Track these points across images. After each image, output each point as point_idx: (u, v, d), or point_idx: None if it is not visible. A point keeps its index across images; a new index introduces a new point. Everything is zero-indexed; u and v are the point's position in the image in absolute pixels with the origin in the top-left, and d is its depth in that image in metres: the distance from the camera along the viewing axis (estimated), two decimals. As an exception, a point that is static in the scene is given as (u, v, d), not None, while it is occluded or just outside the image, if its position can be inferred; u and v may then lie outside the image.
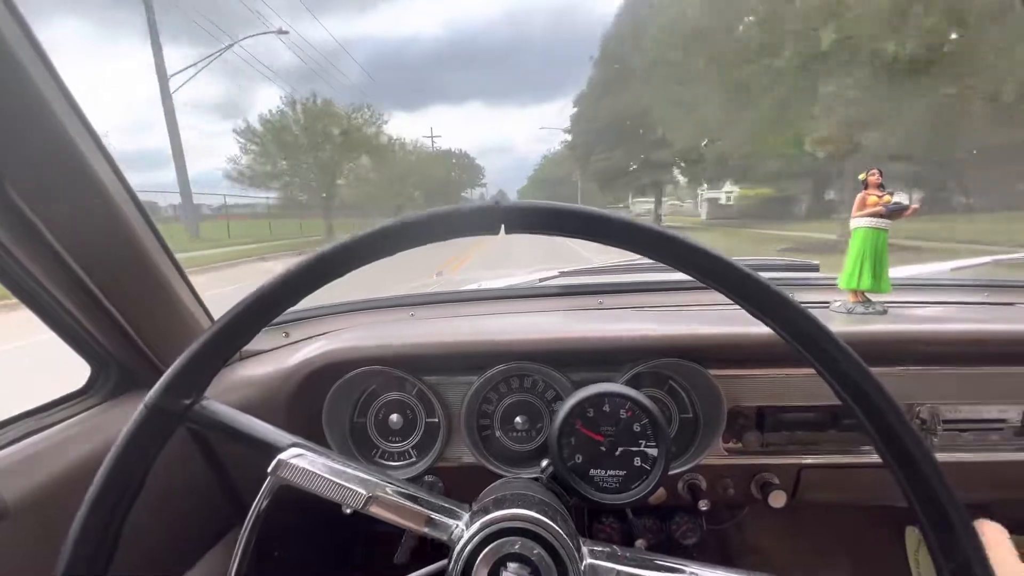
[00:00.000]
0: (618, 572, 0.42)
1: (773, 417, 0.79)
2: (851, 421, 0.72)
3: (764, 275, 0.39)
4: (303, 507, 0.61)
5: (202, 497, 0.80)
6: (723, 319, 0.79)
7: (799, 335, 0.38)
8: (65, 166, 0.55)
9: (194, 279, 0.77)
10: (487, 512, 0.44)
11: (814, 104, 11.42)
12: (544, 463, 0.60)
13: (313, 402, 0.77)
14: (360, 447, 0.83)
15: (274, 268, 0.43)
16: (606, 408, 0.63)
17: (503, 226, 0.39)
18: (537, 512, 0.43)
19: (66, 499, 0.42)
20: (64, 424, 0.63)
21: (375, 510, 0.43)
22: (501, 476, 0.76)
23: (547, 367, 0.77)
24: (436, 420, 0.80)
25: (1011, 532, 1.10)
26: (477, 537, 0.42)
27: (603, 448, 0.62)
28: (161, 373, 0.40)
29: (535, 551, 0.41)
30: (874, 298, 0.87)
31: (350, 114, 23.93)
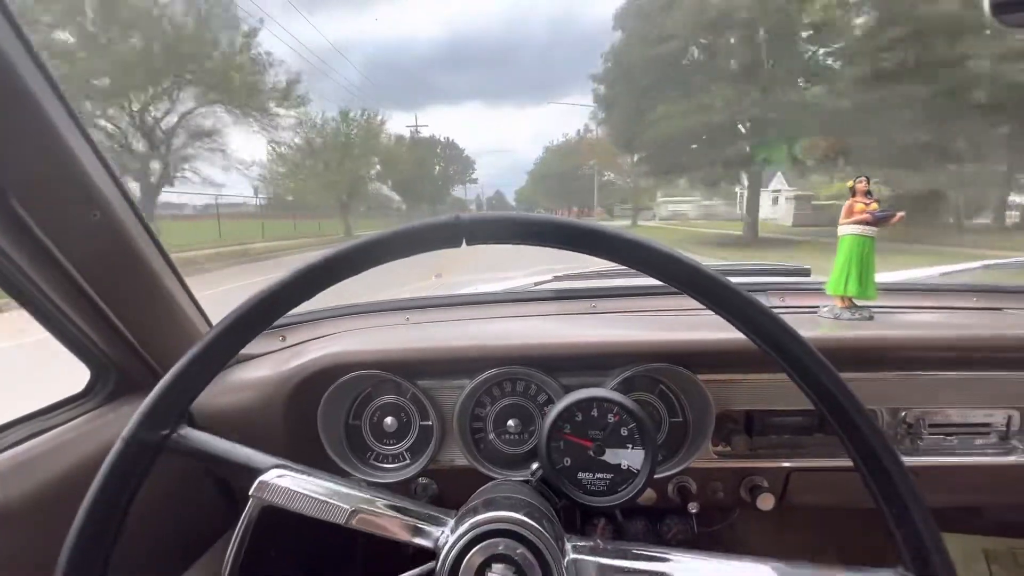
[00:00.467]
0: (600, 564, 0.43)
1: (761, 421, 0.80)
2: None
3: (754, 279, 0.40)
4: (295, 517, 0.62)
5: (198, 499, 0.82)
6: (712, 324, 0.80)
7: (769, 339, 0.40)
8: (64, 174, 0.56)
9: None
10: (474, 514, 0.45)
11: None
12: (534, 466, 0.61)
13: (309, 405, 0.79)
14: (355, 450, 0.84)
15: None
16: (594, 412, 0.64)
17: (464, 239, 0.41)
18: (521, 514, 0.44)
19: (66, 502, 0.43)
20: (64, 427, 0.64)
21: (359, 524, 0.44)
22: (494, 478, 0.78)
23: (539, 372, 0.78)
24: (430, 423, 0.81)
25: (1001, 534, 1.12)
26: (463, 540, 0.43)
27: (591, 452, 0.63)
28: (159, 377, 0.42)
29: (518, 551, 0.42)
30: (861, 303, 0.88)
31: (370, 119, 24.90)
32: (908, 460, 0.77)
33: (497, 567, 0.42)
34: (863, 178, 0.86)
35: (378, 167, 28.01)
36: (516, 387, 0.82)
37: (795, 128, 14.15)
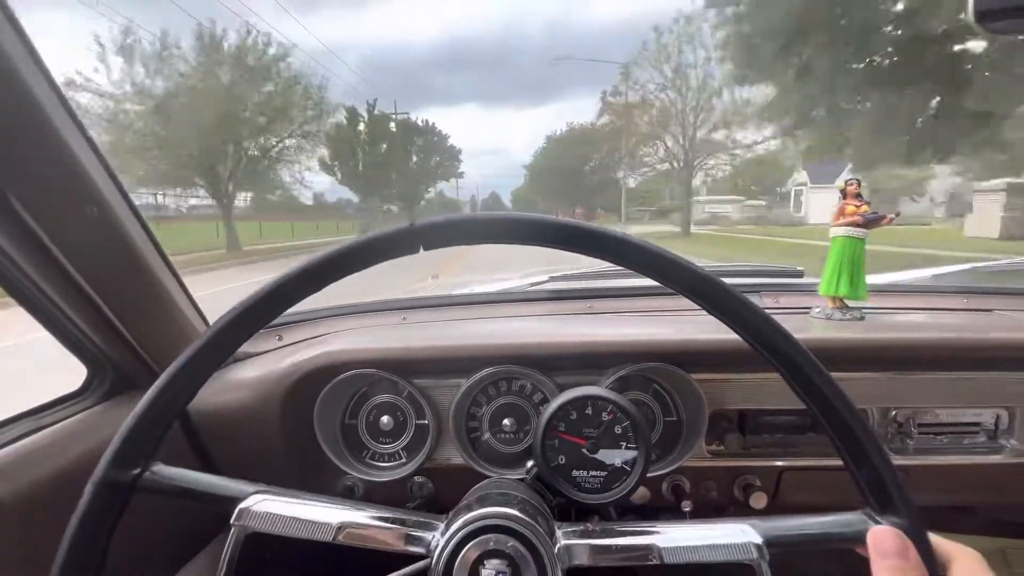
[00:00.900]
0: (590, 545, 0.43)
1: (754, 420, 0.81)
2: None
3: (748, 280, 0.41)
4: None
5: (183, 504, 0.81)
6: (707, 324, 0.81)
7: (761, 339, 0.40)
8: (61, 170, 0.56)
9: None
10: (467, 511, 0.45)
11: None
12: (529, 464, 0.62)
13: (305, 404, 0.79)
14: (351, 448, 0.84)
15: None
16: (589, 411, 0.65)
17: (421, 245, 0.41)
18: (514, 509, 0.45)
19: (61, 501, 0.43)
20: (60, 425, 0.64)
21: (348, 539, 0.43)
22: (489, 477, 0.78)
23: (534, 371, 0.79)
24: (426, 422, 0.82)
25: (993, 533, 1.13)
26: (456, 538, 0.43)
27: (585, 449, 0.63)
28: (156, 375, 0.42)
29: (510, 544, 0.43)
30: (853, 304, 0.89)
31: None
32: (898, 459, 0.78)
33: (491, 563, 0.43)
34: (854, 181, 0.87)
35: (296, 140, 18.40)
36: (512, 386, 0.83)
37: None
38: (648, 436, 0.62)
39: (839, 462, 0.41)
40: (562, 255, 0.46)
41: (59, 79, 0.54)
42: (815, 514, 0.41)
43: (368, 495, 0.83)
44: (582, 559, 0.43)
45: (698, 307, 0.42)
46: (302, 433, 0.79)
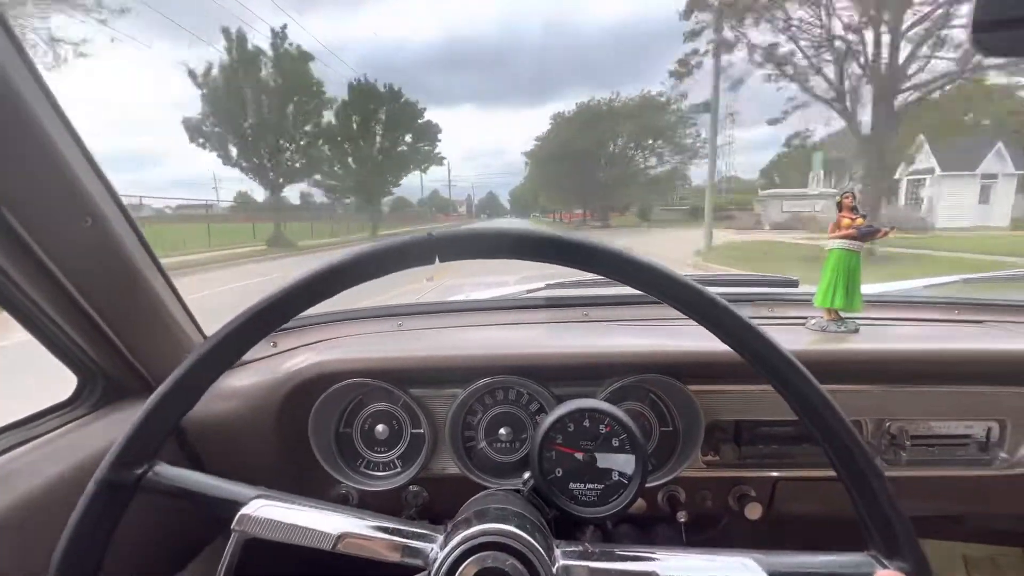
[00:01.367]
0: (589, 568, 0.43)
1: (749, 431, 0.81)
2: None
3: (743, 290, 0.42)
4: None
5: (182, 506, 0.80)
6: (703, 335, 0.81)
7: (754, 353, 0.41)
8: (55, 179, 0.55)
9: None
10: (466, 527, 0.45)
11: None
12: (526, 476, 0.62)
13: (300, 412, 0.78)
14: (345, 457, 0.84)
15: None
16: (586, 423, 0.65)
17: (437, 256, 0.41)
18: (512, 526, 0.45)
19: (51, 512, 0.43)
20: (49, 436, 0.63)
21: (347, 548, 0.43)
22: (485, 487, 0.78)
23: (530, 381, 0.79)
24: (421, 431, 0.81)
25: (982, 541, 1.13)
26: (453, 555, 0.43)
27: (583, 462, 0.63)
28: (149, 385, 0.41)
29: (508, 562, 0.43)
30: (847, 315, 0.90)
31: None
32: (891, 471, 0.79)
33: None
34: (849, 193, 0.88)
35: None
36: (508, 396, 0.82)
37: None
38: (646, 450, 0.62)
39: (834, 473, 0.41)
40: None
41: (54, 88, 0.54)
42: (819, 552, 0.41)
43: (362, 504, 0.82)
44: None
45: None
46: (296, 441, 0.78)
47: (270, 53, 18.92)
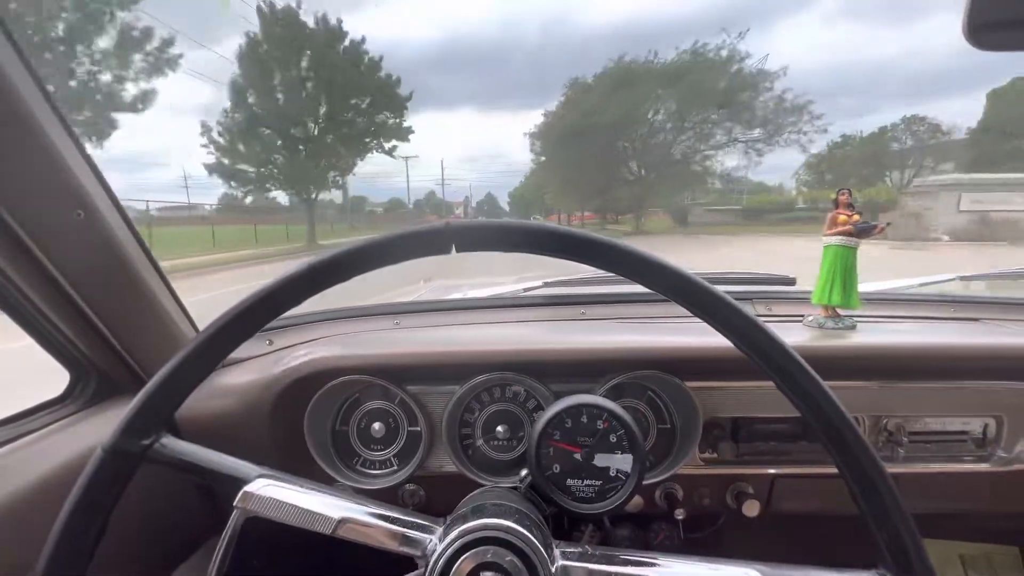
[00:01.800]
0: (588, 570, 0.43)
1: (747, 428, 0.81)
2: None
3: (741, 288, 0.41)
4: (283, 523, 0.62)
5: (181, 504, 0.80)
6: (701, 331, 0.81)
7: (756, 348, 0.41)
8: (47, 171, 0.55)
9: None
10: (463, 521, 0.45)
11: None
12: (523, 472, 0.61)
13: (295, 410, 0.78)
14: (342, 456, 0.83)
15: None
16: (584, 419, 0.64)
17: (454, 246, 0.41)
18: (511, 521, 0.44)
19: (42, 509, 0.42)
20: (40, 433, 0.63)
21: (346, 533, 0.43)
22: (482, 485, 0.77)
23: (528, 378, 0.79)
24: (418, 429, 0.81)
25: (978, 539, 1.13)
26: (451, 548, 0.42)
27: (580, 458, 0.63)
28: (142, 381, 0.41)
29: (507, 558, 0.42)
30: (844, 313, 0.90)
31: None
32: (889, 467, 0.79)
33: (486, 575, 0.42)
34: (845, 191, 0.88)
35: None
36: (505, 393, 0.82)
37: None
38: (643, 445, 0.61)
39: (831, 470, 0.41)
40: (555, 262, 0.46)
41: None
42: (826, 569, 0.41)
43: None
44: None
45: (689, 315, 0.42)
46: (292, 439, 0.78)
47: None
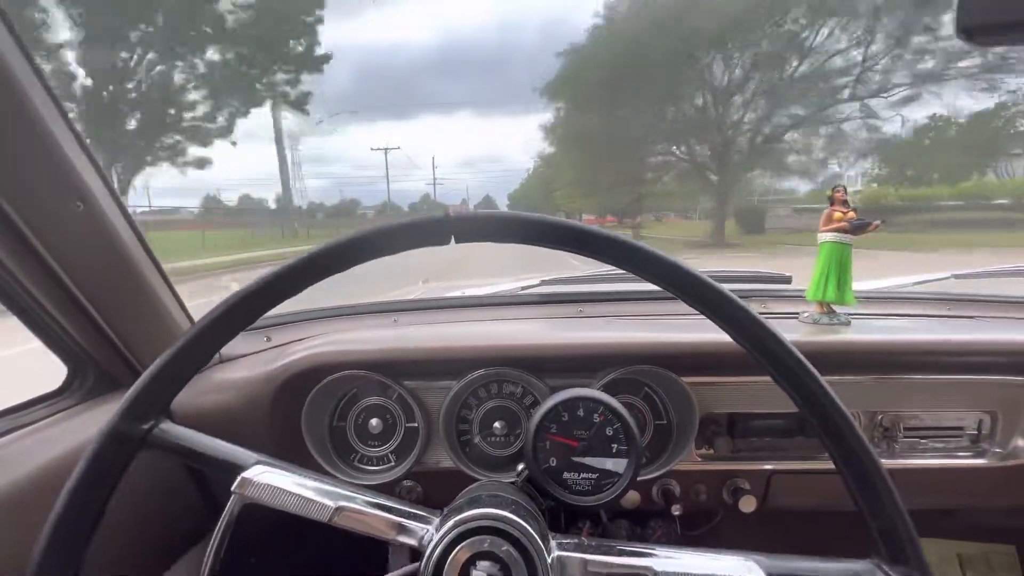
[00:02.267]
0: (584, 560, 0.43)
1: (743, 424, 0.81)
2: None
3: (737, 286, 0.42)
4: (279, 512, 0.62)
5: (178, 498, 0.80)
6: (698, 327, 0.82)
7: (756, 343, 0.41)
8: (47, 163, 0.55)
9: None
10: (460, 512, 0.45)
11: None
12: (520, 467, 0.61)
13: (293, 406, 0.78)
14: (339, 451, 0.83)
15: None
16: (580, 412, 0.65)
17: (453, 237, 0.41)
18: (507, 511, 0.44)
19: (38, 502, 0.42)
20: (37, 426, 0.63)
21: (343, 521, 0.43)
22: (479, 480, 0.77)
23: (525, 373, 0.79)
24: (415, 425, 0.81)
25: (973, 538, 1.14)
26: (448, 538, 0.43)
27: (576, 452, 0.63)
28: (139, 375, 0.41)
29: (503, 548, 0.42)
30: (839, 309, 0.90)
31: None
32: (884, 462, 0.79)
33: (482, 564, 0.42)
34: (840, 187, 0.89)
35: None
36: (503, 389, 0.82)
37: None
38: (639, 439, 0.62)
39: (827, 465, 0.41)
40: (556, 260, 0.47)
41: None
42: (822, 559, 0.42)
43: None
44: (575, 573, 0.43)
45: (687, 312, 0.42)
46: (289, 436, 0.78)
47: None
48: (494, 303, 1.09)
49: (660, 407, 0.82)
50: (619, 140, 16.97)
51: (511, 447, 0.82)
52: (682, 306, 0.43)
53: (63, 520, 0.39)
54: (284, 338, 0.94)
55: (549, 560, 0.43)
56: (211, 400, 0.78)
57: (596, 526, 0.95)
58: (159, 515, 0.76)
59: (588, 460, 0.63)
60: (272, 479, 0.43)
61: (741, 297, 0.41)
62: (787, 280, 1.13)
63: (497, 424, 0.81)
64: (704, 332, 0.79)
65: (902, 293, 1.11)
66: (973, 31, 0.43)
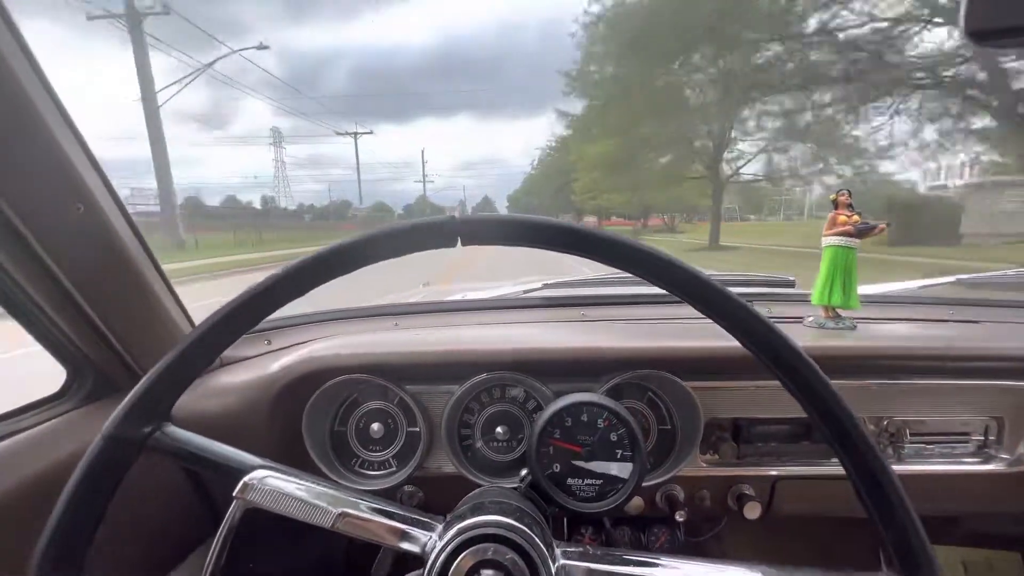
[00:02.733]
0: (589, 569, 0.42)
1: (748, 429, 0.80)
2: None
3: (742, 290, 0.41)
4: (280, 517, 0.61)
5: (178, 504, 0.79)
6: (702, 332, 0.81)
7: (766, 348, 0.40)
8: (48, 164, 0.55)
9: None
10: (463, 519, 0.44)
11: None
12: (523, 472, 0.61)
13: (294, 410, 0.77)
14: (340, 456, 0.82)
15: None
16: (584, 418, 0.64)
17: (459, 239, 0.41)
18: (511, 519, 0.44)
19: (38, 506, 0.42)
20: (37, 430, 0.62)
21: (346, 527, 0.43)
22: (481, 486, 0.77)
23: (528, 377, 0.78)
24: (417, 429, 0.80)
25: (977, 545, 1.13)
26: (451, 545, 0.42)
27: (580, 457, 0.62)
28: (140, 379, 0.41)
29: (508, 556, 0.42)
30: (845, 314, 0.90)
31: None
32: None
33: (486, 572, 0.41)
34: (844, 191, 0.89)
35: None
36: (505, 393, 0.81)
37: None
38: (643, 445, 0.61)
39: (833, 471, 0.41)
40: (556, 262, 0.46)
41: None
42: (832, 571, 0.41)
43: None
44: None
45: (691, 316, 0.42)
46: (290, 440, 0.77)
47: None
48: (496, 306, 1.09)
49: (664, 412, 0.81)
50: (668, 101, 12.93)
51: (514, 452, 0.81)
52: (685, 310, 0.42)
53: (63, 524, 0.39)
54: (285, 342, 0.94)
55: (554, 569, 0.42)
56: (212, 404, 0.78)
57: (599, 532, 0.95)
58: (159, 519, 0.75)
59: (592, 466, 0.62)
60: (274, 484, 0.43)
61: (745, 300, 0.40)
62: (791, 284, 1.13)
63: (500, 429, 0.81)
64: (708, 336, 0.78)
65: (907, 297, 1.11)
66: (979, 35, 0.42)
